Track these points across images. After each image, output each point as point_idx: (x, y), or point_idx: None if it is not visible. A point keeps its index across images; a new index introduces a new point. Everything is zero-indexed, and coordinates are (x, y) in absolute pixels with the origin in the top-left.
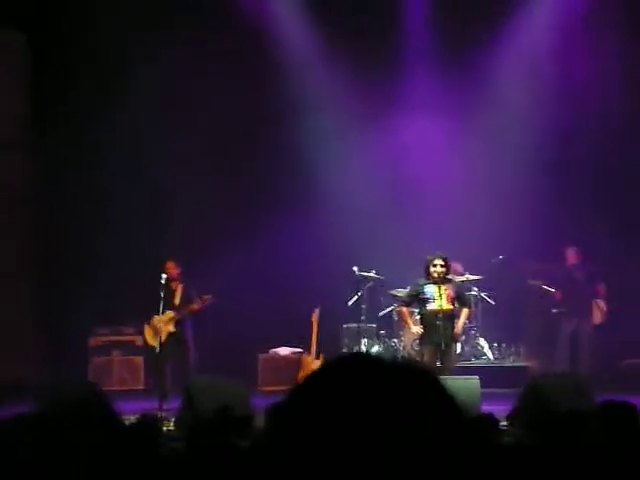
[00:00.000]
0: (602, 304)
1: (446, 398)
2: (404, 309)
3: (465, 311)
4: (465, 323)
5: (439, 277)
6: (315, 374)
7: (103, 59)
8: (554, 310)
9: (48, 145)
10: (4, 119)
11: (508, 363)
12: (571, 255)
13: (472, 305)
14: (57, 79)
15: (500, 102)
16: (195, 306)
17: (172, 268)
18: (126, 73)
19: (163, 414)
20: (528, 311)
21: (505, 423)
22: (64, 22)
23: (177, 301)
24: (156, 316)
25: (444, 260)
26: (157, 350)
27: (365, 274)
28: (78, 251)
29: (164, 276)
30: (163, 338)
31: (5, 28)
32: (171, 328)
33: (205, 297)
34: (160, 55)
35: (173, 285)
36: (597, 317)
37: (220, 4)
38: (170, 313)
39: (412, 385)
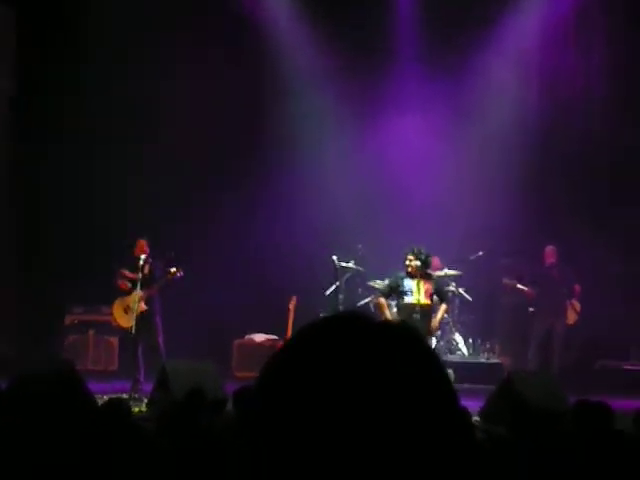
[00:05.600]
0: (576, 304)
1: (436, 359)
2: (382, 300)
3: (443, 307)
4: (442, 318)
5: (414, 271)
6: (288, 342)
7: (96, 38)
8: (530, 309)
9: (35, 127)
10: None
11: (482, 359)
12: (549, 254)
13: (450, 301)
14: (47, 57)
15: (485, 103)
16: (157, 286)
17: (144, 246)
18: (118, 55)
19: (136, 395)
20: (503, 308)
21: (477, 419)
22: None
23: (145, 280)
24: (126, 296)
25: (414, 255)
26: (132, 330)
27: (344, 264)
28: (57, 230)
29: (143, 256)
30: (135, 317)
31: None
32: (142, 307)
33: (172, 270)
34: (154, 40)
35: (142, 263)
36: (571, 317)
37: None
38: (139, 292)
39: (400, 343)
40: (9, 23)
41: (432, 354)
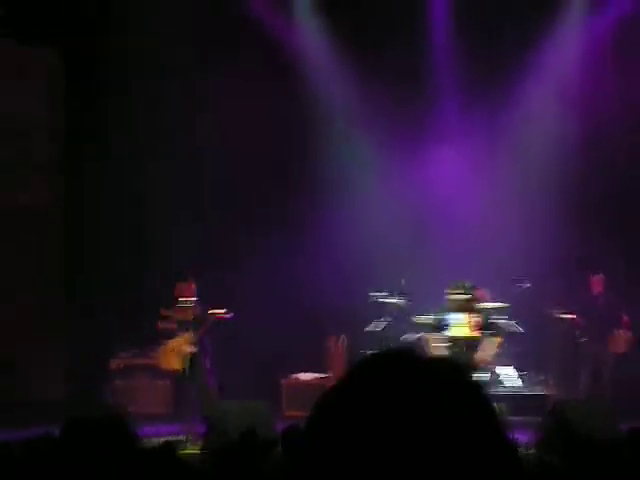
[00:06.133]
0: (626, 333)
1: (482, 393)
2: (430, 335)
3: (494, 339)
4: (494, 351)
5: (459, 305)
6: (337, 383)
7: (137, 74)
8: (581, 339)
9: (80, 163)
10: (37, 135)
11: (532, 391)
12: (597, 283)
13: (502, 333)
14: (91, 95)
15: (525, 133)
16: (204, 328)
17: (191, 288)
18: (158, 88)
19: (189, 437)
20: (550, 339)
21: (531, 450)
22: (97, 37)
23: (192, 322)
24: (172, 339)
25: (458, 289)
26: (182, 373)
27: (389, 300)
28: (103, 273)
29: (189, 298)
30: (185, 360)
31: (39, 43)
32: (192, 349)
33: (219, 312)
34: (190, 70)
35: (189, 305)
36: (620, 346)
37: (246, 24)
38: (186, 334)
39: (451, 381)
40: (49, 63)
41: (479, 389)
